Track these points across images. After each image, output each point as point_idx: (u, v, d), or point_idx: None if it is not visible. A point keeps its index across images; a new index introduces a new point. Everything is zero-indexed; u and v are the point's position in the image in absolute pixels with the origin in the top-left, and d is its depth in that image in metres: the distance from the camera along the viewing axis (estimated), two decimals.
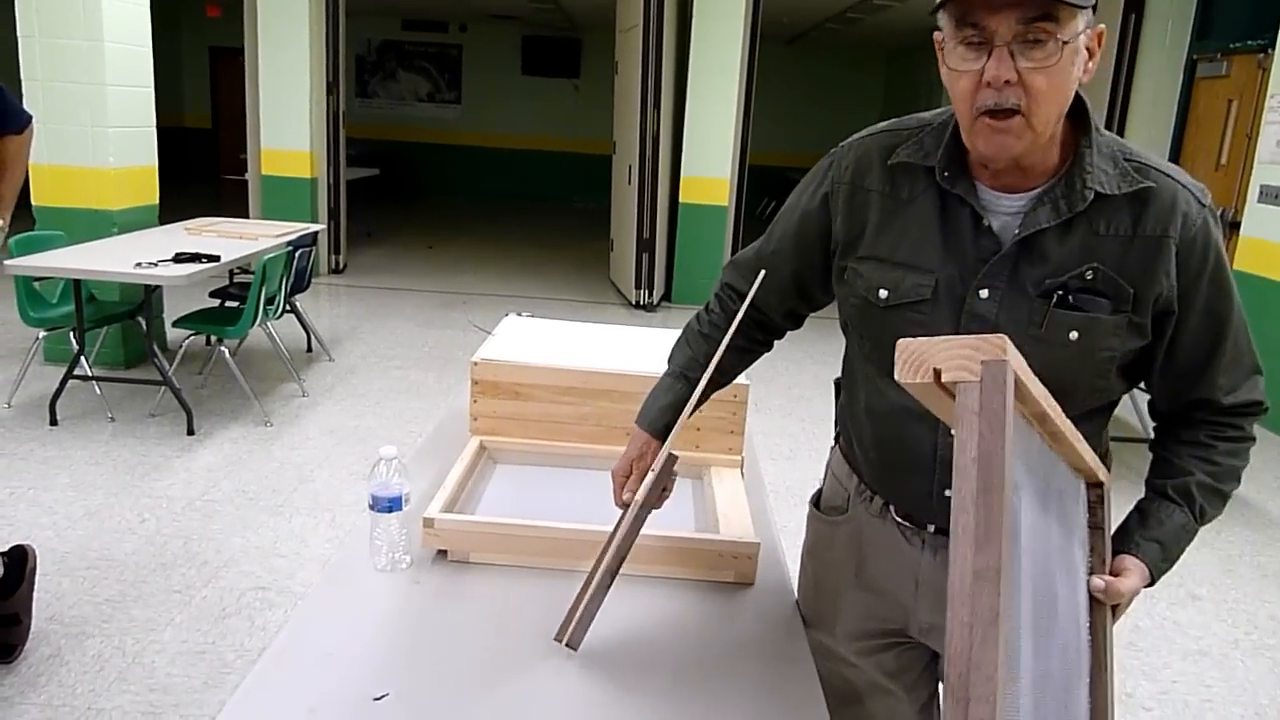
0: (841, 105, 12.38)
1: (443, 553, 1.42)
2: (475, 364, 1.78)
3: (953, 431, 0.78)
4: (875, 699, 1.34)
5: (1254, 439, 1.12)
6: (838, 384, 1.36)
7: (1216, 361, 1.09)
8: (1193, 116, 6.35)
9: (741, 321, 1.25)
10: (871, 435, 1.21)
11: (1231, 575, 3.27)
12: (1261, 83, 5.24)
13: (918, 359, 0.80)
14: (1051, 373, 0.91)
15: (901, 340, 0.81)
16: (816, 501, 1.40)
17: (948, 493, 1.09)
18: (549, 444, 1.78)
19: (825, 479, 1.39)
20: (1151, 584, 1.07)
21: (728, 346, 1.18)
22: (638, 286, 6.93)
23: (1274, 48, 5.02)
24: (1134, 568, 1.05)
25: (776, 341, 1.43)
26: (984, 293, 1.07)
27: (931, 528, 1.19)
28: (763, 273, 1.24)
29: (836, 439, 1.37)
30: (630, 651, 1.23)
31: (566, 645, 1.19)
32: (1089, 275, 1.03)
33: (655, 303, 7.00)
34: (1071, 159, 1.05)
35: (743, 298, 1.28)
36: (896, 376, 0.81)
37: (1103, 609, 1.02)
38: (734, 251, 7.20)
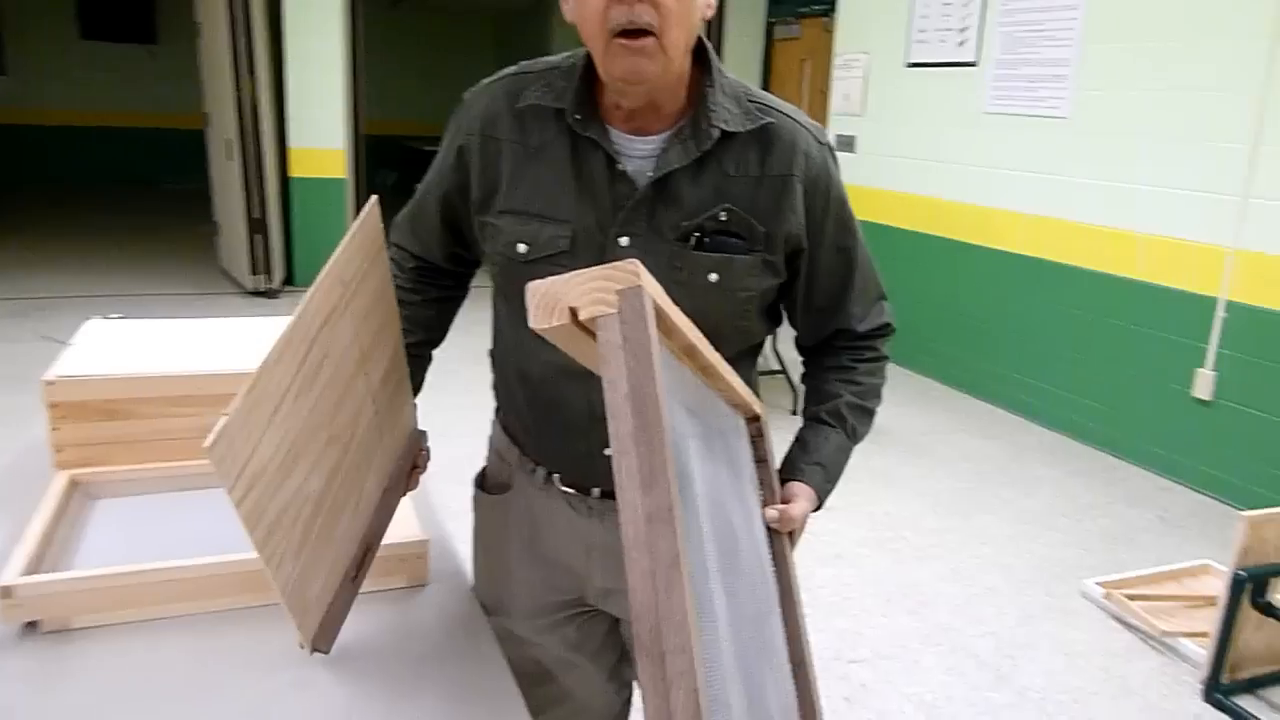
0: (455, 69, 12.15)
1: (32, 625, 1.13)
2: (50, 383, 1.44)
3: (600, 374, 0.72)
4: (565, 674, 1.29)
5: (888, 357, 1.21)
6: (492, 355, 1.28)
7: (849, 294, 1.15)
8: (774, 75, 7.05)
9: (423, 276, 1.24)
10: (526, 401, 1.15)
11: (851, 481, 3.68)
12: (828, 44, 5.90)
13: (550, 300, 0.74)
14: (697, 317, 0.90)
15: (530, 284, 0.74)
16: (480, 481, 1.31)
17: (608, 451, 1.06)
18: (163, 467, 1.50)
19: (488, 456, 1.30)
20: (819, 506, 1.11)
21: (424, 302, 1.18)
22: (254, 272, 6.33)
23: (835, 12, 5.67)
24: (801, 493, 1.09)
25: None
26: (624, 240, 1.04)
27: (597, 491, 1.15)
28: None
29: (497, 413, 1.29)
30: (306, 683, 1.07)
31: (315, 650, 1.05)
32: (723, 216, 1.04)
33: (278, 288, 6.44)
34: (697, 99, 1.05)
35: (415, 257, 1.27)
36: (532, 323, 0.75)
37: (780, 538, 1.05)
38: None
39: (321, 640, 1.08)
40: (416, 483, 1.25)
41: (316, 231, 6.48)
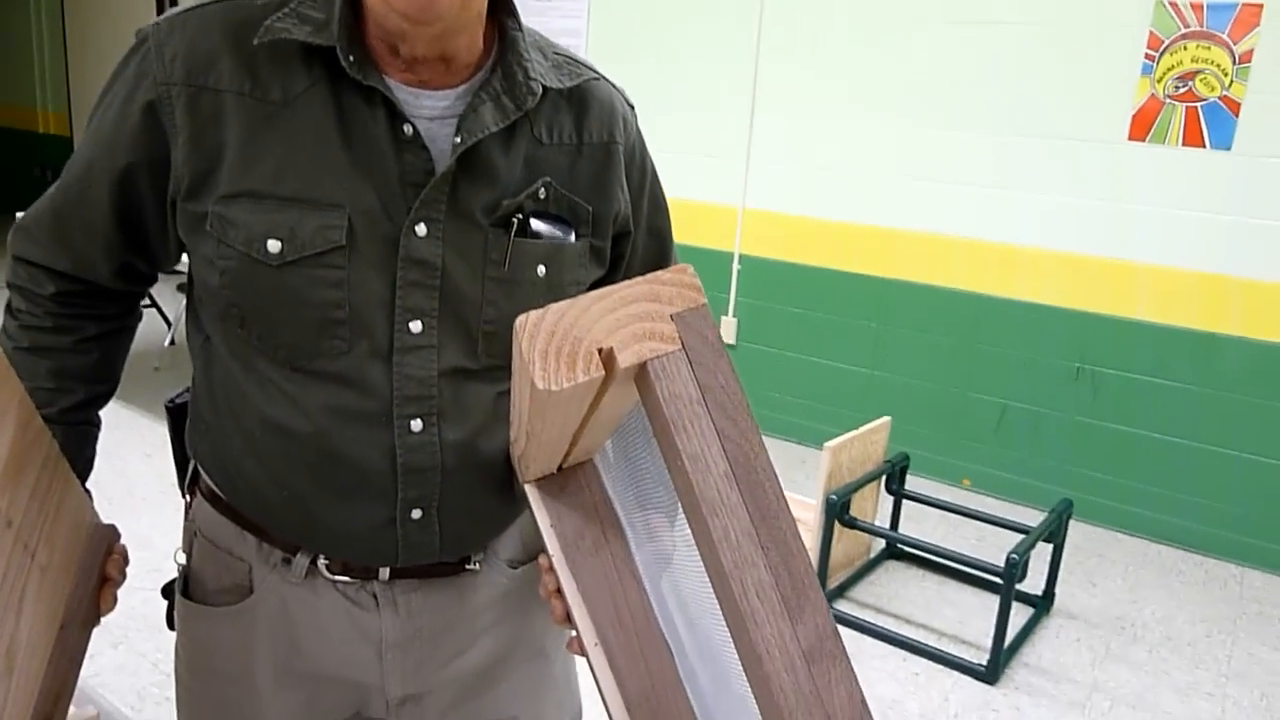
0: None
1: None
2: None
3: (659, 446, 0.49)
4: None
5: None
6: (175, 408, 0.89)
7: None
8: None
9: (74, 304, 0.87)
10: (286, 463, 0.80)
11: None
12: None
13: (567, 345, 0.48)
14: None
15: (520, 321, 0.50)
16: (185, 590, 0.90)
17: (416, 513, 0.79)
18: None
19: (193, 553, 0.90)
20: None
21: (79, 344, 0.85)
22: None
23: None
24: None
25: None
26: (421, 228, 0.77)
27: (386, 572, 0.85)
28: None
29: (192, 487, 0.90)
30: None
31: None
32: (541, 194, 0.82)
33: None
34: (503, 46, 0.80)
35: (58, 277, 0.86)
36: (539, 384, 0.49)
37: None
38: None
39: None
40: (111, 603, 0.86)
41: None
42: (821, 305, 3.83)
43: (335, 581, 0.84)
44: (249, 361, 0.78)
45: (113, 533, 0.89)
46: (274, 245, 0.74)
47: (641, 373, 0.47)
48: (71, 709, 0.86)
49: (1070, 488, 3.29)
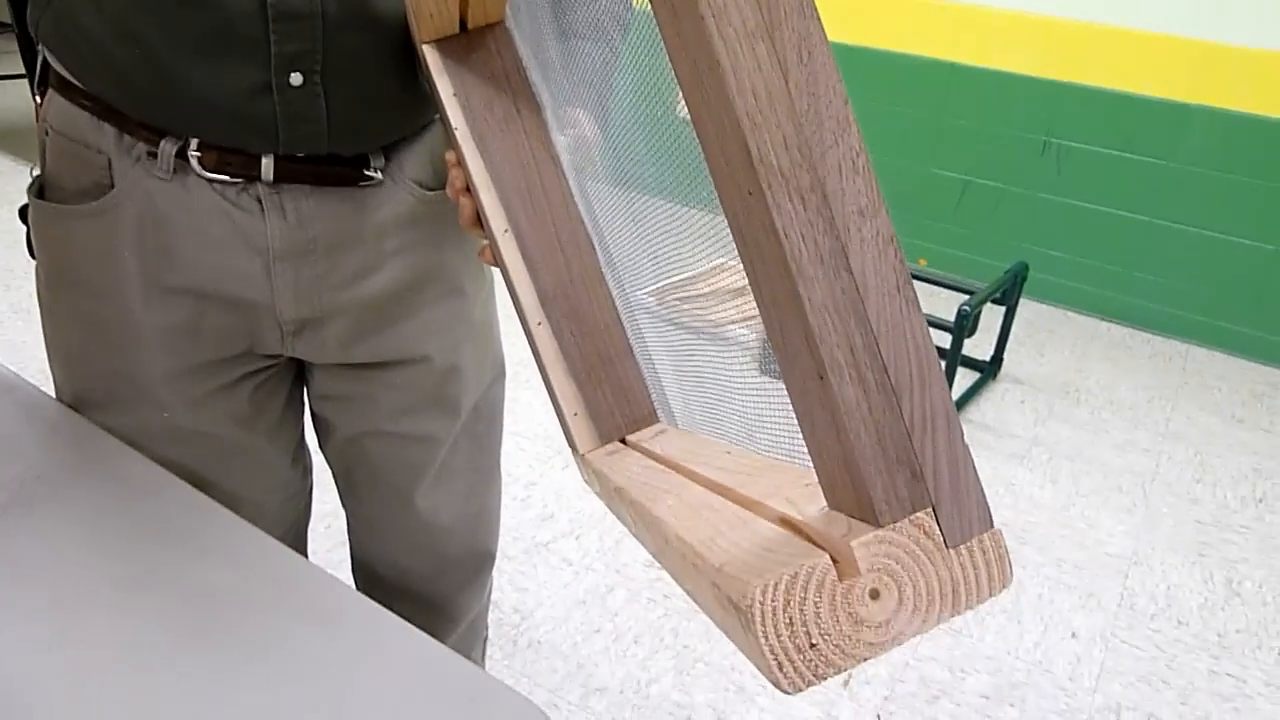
0: None
1: None
2: None
3: None
4: (229, 468, 0.86)
5: None
6: None
7: None
8: None
9: None
10: (137, 13, 0.65)
11: None
12: None
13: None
14: None
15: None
16: (40, 193, 0.78)
17: (296, 77, 0.67)
18: None
19: (46, 153, 0.78)
20: None
21: None
22: None
23: None
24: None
25: None
26: None
27: (270, 170, 0.72)
28: None
29: (44, 80, 0.76)
30: None
31: None
32: None
33: None
34: None
35: None
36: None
37: None
38: None
39: None
40: None
41: None
42: None
43: (211, 180, 0.72)
44: None
45: None
46: None
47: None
48: None
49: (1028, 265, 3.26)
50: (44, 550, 0.65)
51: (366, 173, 0.76)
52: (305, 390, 0.92)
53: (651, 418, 0.68)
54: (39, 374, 0.86)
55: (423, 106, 0.77)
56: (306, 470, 0.98)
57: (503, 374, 0.98)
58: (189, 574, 0.65)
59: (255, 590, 0.64)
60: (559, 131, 0.71)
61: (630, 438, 0.67)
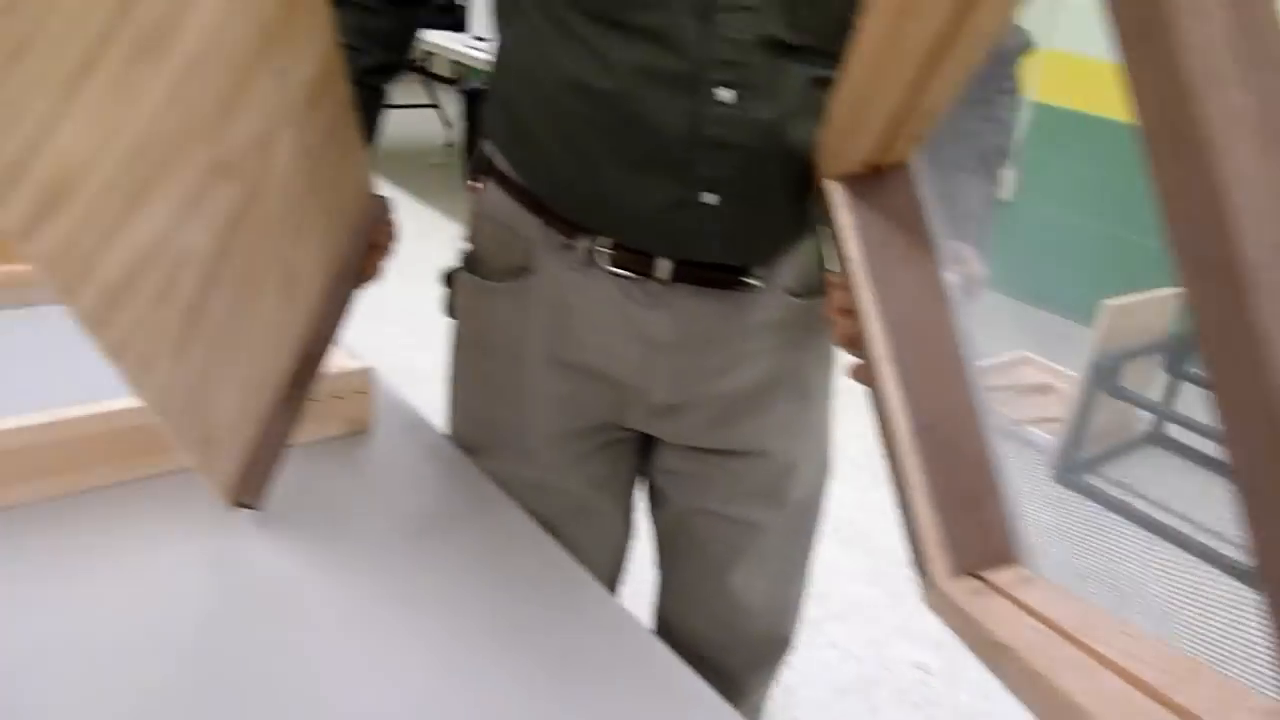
0: None
1: None
2: None
3: None
4: (577, 523, 0.95)
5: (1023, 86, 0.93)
6: (471, 92, 0.88)
7: None
8: None
9: None
10: (583, 125, 0.76)
11: None
12: None
13: None
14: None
15: None
16: (471, 268, 0.92)
17: (710, 197, 0.74)
18: None
19: (476, 234, 0.91)
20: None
21: (384, 3, 0.79)
22: None
23: None
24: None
25: None
26: None
27: (666, 270, 0.80)
28: None
29: (481, 169, 0.89)
30: (235, 559, 0.70)
31: (241, 505, 0.73)
32: None
33: None
34: None
35: None
36: None
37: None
38: None
39: (248, 489, 0.73)
40: (376, 270, 0.87)
41: None
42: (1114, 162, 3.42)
43: (612, 273, 0.82)
44: (557, 15, 0.74)
45: (386, 204, 0.89)
46: None
47: None
48: (345, 360, 0.90)
49: None
50: (430, 585, 0.74)
51: (748, 280, 0.82)
52: (647, 461, 1.00)
53: (1012, 558, 0.68)
54: (437, 413, 0.99)
55: (808, 226, 0.82)
56: (632, 532, 1.06)
57: (829, 471, 1.01)
58: (548, 631, 0.72)
59: (604, 658, 0.70)
60: (947, 267, 0.73)
61: (989, 576, 0.67)
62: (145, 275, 0.56)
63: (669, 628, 1.09)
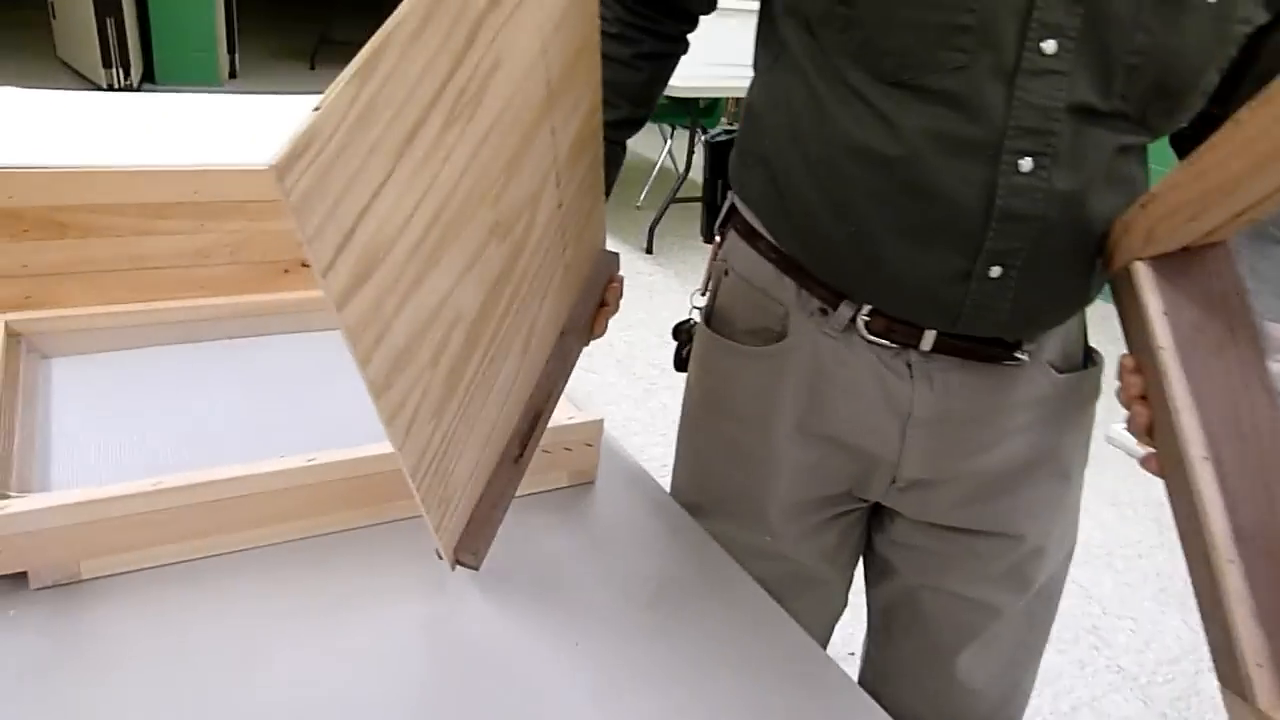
0: None
1: (17, 578, 0.68)
2: None
3: None
4: (803, 593, 0.91)
5: None
6: (716, 144, 0.84)
7: None
8: None
9: (640, 13, 0.82)
10: (861, 193, 0.70)
11: None
12: None
13: None
14: (1171, 58, 0.63)
15: None
16: (711, 323, 0.89)
17: (996, 270, 0.68)
18: (146, 310, 1.01)
19: (714, 290, 0.88)
20: None
21: (634, 59, 0.80)
22: (107, 65, 5.32)
23: None
24: None
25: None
26: None
27: (929, 343, 0.75)
28: None
29: (724, 227, 0.86)
30: (454, 617, 0.69)
31: (460, 564, 0.71)
32: None
33: (136, 84, 5.47)
34: None
35: None
36: None
37: None
38: (231, 10, 5.85)
39: (468, 549, 0.71)
40: (604, 327, 0.85)
41: (180, 17, 5.49)
42: None
43: (872, 342, 0.77)
44: (839, 76, 0.69)
45: (615, 261, 0.88)
46: None
47: None
48: (578, 412, 0.89)
49: None
50: (665, 659, 0.71)
51: (1016, 354, 0.76)
52: (874, 531, 0.94)
53: None
54: (653, 464, 0.97)
55: (1085, 299, 0.76)
56: (847, 602, 1.00)
57: (1072, 554, 0.93)
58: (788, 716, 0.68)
59: None
60: (1272, 356, 0.65)
61: None
62: (426, 338, 0.55)
63: (880, 696, 1.03)
